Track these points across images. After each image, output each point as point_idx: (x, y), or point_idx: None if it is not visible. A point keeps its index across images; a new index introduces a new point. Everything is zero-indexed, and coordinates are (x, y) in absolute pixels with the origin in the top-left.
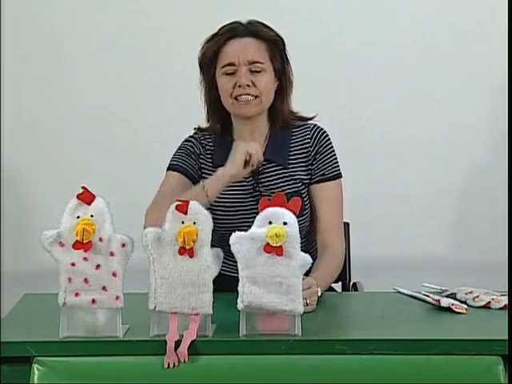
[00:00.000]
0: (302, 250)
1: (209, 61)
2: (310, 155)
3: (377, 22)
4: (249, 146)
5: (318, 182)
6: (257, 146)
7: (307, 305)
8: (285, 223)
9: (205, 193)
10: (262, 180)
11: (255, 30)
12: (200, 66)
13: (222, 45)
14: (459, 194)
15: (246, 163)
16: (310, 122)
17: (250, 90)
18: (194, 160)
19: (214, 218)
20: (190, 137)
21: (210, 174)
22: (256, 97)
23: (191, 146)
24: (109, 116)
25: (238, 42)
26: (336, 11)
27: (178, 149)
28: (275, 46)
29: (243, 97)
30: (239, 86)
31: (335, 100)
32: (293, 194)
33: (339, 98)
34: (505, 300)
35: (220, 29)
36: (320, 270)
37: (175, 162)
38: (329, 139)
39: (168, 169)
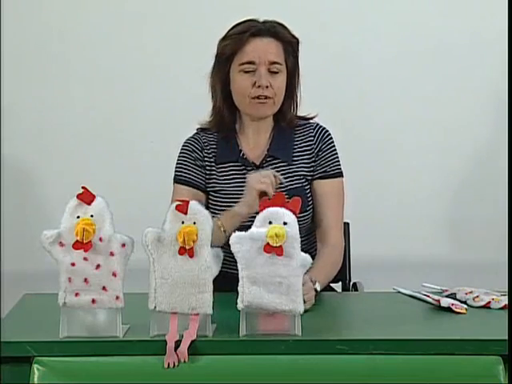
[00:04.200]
0: (302, 249)
1: (227, 58)
2: (313, 152)
3: (380, 22)
4: (260, 178)
5: (319, 178)
6: (269, 174)
7: (304, 302)
8: (285, 223)
9: (221, 230)
10: None
11: (275, 31)
12: (217, 61)
13: (243, 43)
14: (459, 194)
15: (262, 195)
16: (312, 121)
17: (268, 91)
18: (199, 167)
19: (218, 213)
20: (191, 138)
21: (212, 172)
22: (271, 98)
23: (193, 151)
24: (108, 117)
25: (259, 41)
26: (339, 10)
27: (181, 155)
28: (291, 47)
29: (259, 99)
30: (258, 87)
31: (336, 101)
32: (297, 190)
33: (340, 99)
34: (505, 300)
35: (237, 25)
36: (318, 268)
37: (182, 175)
38: (331, 138)
39: (176, 181)
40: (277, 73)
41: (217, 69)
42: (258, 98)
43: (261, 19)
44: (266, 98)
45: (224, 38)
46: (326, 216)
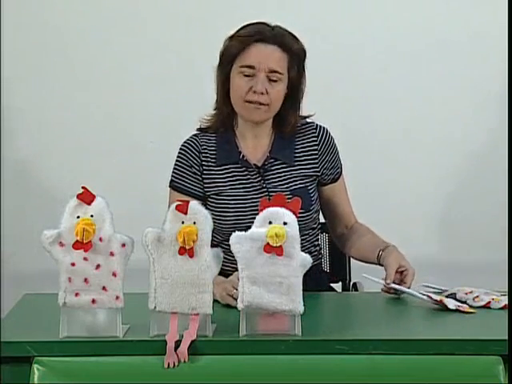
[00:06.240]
0: (302, 248)
1: (229, 58)
2: (317, 154)
3: (382, 21)
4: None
5: (332, 182)
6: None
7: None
8: (285, 223)
9: None
10: (269, 177)
11: (281, 40)
12: (220, 59)
13: (246, 45)
14: (457, 195)
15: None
16: (310, 120)
17: (263, 97)
18: (195, 174)
19: (220, 215)
20: (188, 141)
21: (212, 175)
22: (266, 105)
23: (189, 156)
24: (108, 116)
25: (263, 47)
26: (340, 9)
27: (177, 160)
28: (297, 58)
29: (254, 104)
30: (254, 92)
31: (337, 100)
32: (300, 191)
33: (341, 98)
34: (505, 300)
35: (245, 27)
36: (375, 237)
37: (177, 182)
38: (333, 138)
39: (171, 187)
40: (276, 81)
41: (220, 67)
42: (251, 103)
43: (272, 24)
44: (261, 104)
45: (231, 38)
46: (345, 210)
